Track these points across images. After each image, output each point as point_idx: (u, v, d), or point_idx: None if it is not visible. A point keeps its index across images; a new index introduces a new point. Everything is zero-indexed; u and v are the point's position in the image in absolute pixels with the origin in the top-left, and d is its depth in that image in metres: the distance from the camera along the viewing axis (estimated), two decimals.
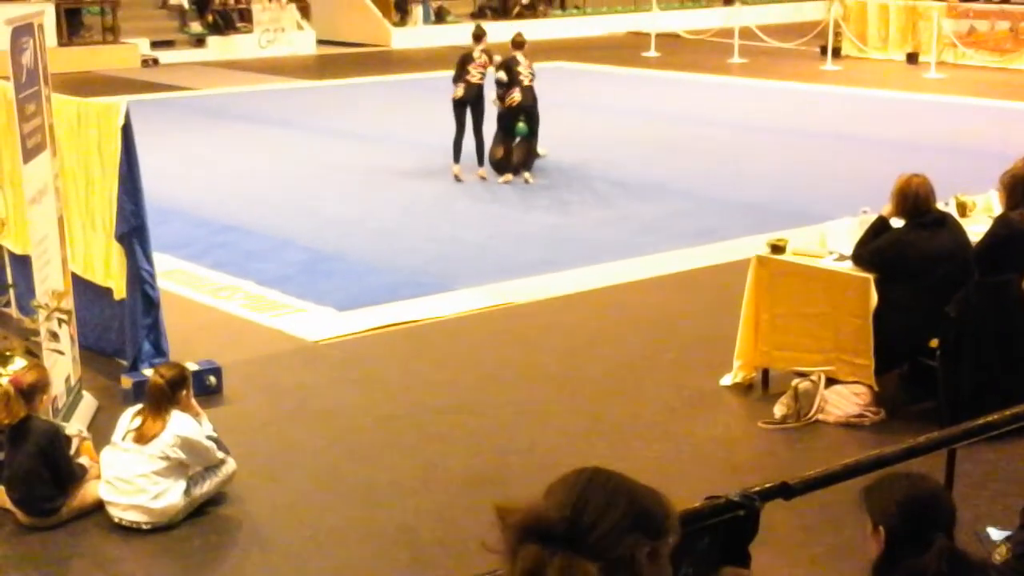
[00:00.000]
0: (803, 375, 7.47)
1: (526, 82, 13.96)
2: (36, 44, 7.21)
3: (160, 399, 6.22)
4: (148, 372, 7.10)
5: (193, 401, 6.49)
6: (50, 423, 6.47)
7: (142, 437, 6.16)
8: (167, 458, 6.14)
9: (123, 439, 6.23)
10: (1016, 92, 20.60)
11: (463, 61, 13.93)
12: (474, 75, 13.87)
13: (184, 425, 6.23)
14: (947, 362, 7.16)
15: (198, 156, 16.23)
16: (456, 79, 13.92)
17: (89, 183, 8.21)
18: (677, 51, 27.22)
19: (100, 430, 6.93)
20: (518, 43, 14.19)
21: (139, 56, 25.90)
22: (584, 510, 2.13)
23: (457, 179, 13.94)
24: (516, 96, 13.88)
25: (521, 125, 14.14)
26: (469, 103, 13.91)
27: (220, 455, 6.36)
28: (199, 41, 27.36)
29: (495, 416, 7.65)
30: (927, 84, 22.08)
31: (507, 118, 14.13)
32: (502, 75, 13.96)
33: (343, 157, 14.34)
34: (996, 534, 5.09)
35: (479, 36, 14.00)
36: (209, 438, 6.35)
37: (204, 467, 6.30)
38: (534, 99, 14.09)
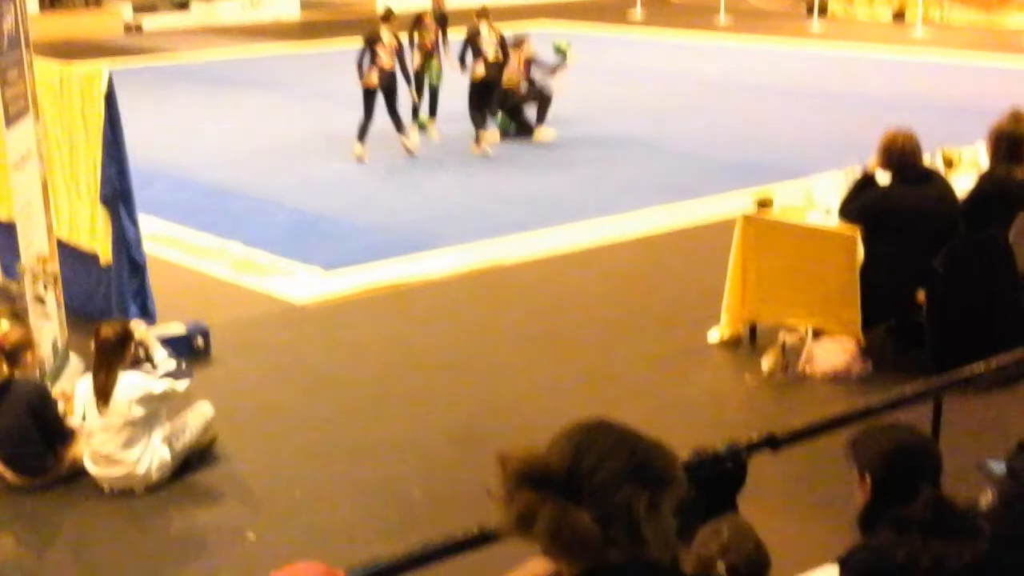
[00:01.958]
0: (791, 329, 7.49)
1: (490, 56, 13.87)
2: (17, 10, 7.15)
3: (109, 354, 6.11)
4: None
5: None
6: (38, 382, 6.46)
7: (101, 396, 6.08)
8: (131, 423, 6.10)
9: (84, 418, 6.16)
10: (1002, 48, 20.58)
11: (371, 42, 13.18)
12: (385, 60, 13.13)
13: (133, 383, 6.11)
14: (933, 315, 7.18)
15: (182, 120, 16.17)
16: (366, 63, 13.08)
17: (73, 148, 8.18)
18: (663, 12, 27.13)
19: None
20: (481, 13, 14.08)
21: (122, 22, 25.75)
22: (582, 459, 2.14)
23: (360, 160, 13.33)
24: (480, 70, 13.76)
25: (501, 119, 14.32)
26: (382, 90, 13.18)
27: (181, 385, 6.25)
28: (182, 5, 27.20)
29: (481, 375, 7.66)
30: (913, 41, 22.05)
31: (475, 93, 13.93)
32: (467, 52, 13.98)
33: (328, 120, 14.31)
34: (998, 466, 5.12)
35: (387, 18, 13.26)
36: (164, 377, 6.26)
37: (180, 419, 6.26)
38: (499, 75, 13.97)
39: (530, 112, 14.55)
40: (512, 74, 14.04)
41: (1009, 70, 18.89)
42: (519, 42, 14.16)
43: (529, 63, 14.32)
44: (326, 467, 6.45)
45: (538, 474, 2.14)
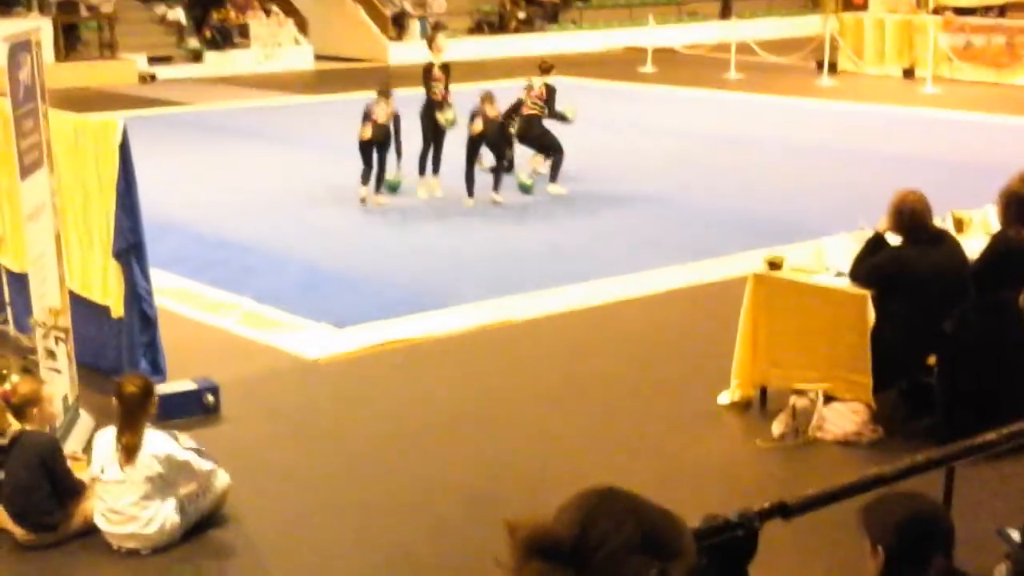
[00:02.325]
0: (801, 393, 7.46)
1: (491, 113, 13.95)
2: (33, 61, 7.21)
3: (136, 411, 6.14)
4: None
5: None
6: (50, 435, 6.45)
7: (128, 452, 6.09)
8: (150, 480, 6.10)
9: (102, 471, 6.17)
10: (1012, 107, 20.64)
11: (367, 109, 13.77)
12: (380, 116, 13.68)
13: (159, 443, 6.14)
14: (945, 379, 7.16)
15: (196, 172, 16.24)
16: (364, 119, 13.72)
17: (86, 200, 8.21)
18: (674, 66, 27.28)
19: None
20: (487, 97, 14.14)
21: (136, 72, 25.94)
22: (592, 529, 2.13)
23: (363, 203, 13.79)
24: (478, 125, 13.83)
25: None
26: (375, 143, 13.71)
27: (206, 465, 6.30)
28: (197, 56, 27.39)
29: (494, 434, 7.64)
30: (923, 99, 22.13)
31: (471, 147, 14.02)
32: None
33: (340, 173, 14.35)
34: (1014, 535, 5.09)
35: (385, 93, 13.78)
36: (189, 449, 6.30)
37: (195, 484, 6.26)
38: (500, 130, 14.00)
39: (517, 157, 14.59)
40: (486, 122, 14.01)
41: (1020, 128, 18.93)
42: (488, 98, 14.12)
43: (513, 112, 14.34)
44: (336, 527, 6.42)
45: (547, 545, 2.13)
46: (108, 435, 6.18)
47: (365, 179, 13.82)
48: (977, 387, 7.07)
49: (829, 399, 7.39)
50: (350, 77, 26.35)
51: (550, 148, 14.52)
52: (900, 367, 7.34)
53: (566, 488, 2.23)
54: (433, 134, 14.21)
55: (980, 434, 5.35)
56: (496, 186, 13.97)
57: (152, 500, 6.10)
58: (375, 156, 13.76)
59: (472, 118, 13.73)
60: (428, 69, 14.27)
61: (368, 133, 13.63)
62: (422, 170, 14.37)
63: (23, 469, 6.17)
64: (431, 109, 14.16)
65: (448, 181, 14.30)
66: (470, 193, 13.89)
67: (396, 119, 13.75)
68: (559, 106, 14.60)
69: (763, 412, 7.73)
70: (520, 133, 14.25)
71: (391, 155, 13.89)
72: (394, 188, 14.31)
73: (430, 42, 14.38)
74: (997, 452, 6.51)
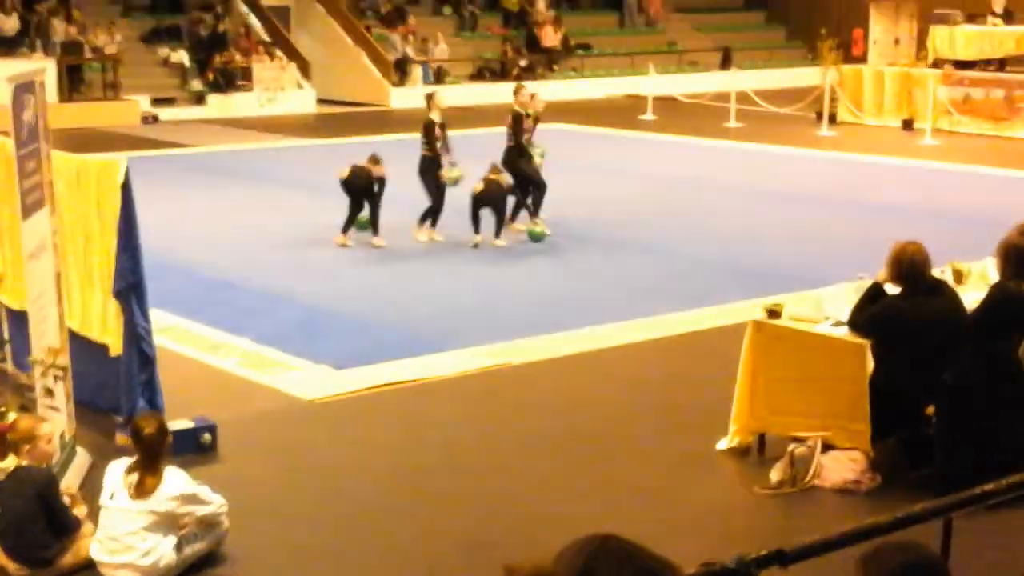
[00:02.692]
0: (799, 440, 7.46)
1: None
2: (37, 101, 7.26)
3: (155, 451, 6.17)
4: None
5: None
6: (47, 470, 6.44)
7: (142, 492, 6.11)
8: (156, 513, 6.10)
9: (111, 498, 6.17)
10: (1011, 160, 20.73)
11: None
12: (364, 164, 13.98)
13: (179, 482, 6.20)
14: (943, 429, 7.16)
15: (197, 213, 16.29)
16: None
17: (88, 239, 8.24)
18: (674, 114, 27.41)
19: (94, 487, 6.89)
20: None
21: (139, 113, 26.06)
22: (591, 574, 2.13)
23: (343, 246, 13.99)
24: (479, 185, 13.91)
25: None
26: (348, 183, 13.97)
27: (216, 499, 6.31)
28: (199, 98, 27.54)
29: (491, 478, 7.62)
30: (922, 151, 22.22)
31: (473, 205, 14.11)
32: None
33: (341, 215, 14.38)
34: None
35: (375, 160, 14.00)
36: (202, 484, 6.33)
37: (204, 511, 6.25)
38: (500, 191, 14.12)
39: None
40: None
41: (1018, 181, 19.01)
42: (495, 169, 14.24)
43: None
44: (331, 568, 6.40)
45: None
46: (121, 467, 6.21)
47: (347, 223, 14.12)
48: (976, 438, 7.06)
49: (827, 447, 7.38)
50: (352, 121, 26.49)
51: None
52: (898, 416, 7.34)
53: (563, 533, 2.23)
54: (437, 191, 14.08)
55: (978, 484, 5.36)
56: (498, 232, 14.03)
57: (154, 533, 6.09)
58: (359, 199, 14.00)
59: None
60: (430, 127, 14.18)
61: (345, 172, 13.98)
62: (423, 220, 14.34)
63: (19, 503, 6.16)
64: (434, 167, 14.03)
65: (445, 226, 14.32)
66: (476, 231, 14.01)
67: (381, 182, 13.87)
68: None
69: (761, 459, 7.72)
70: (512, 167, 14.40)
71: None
72: (363, 227, 14.27)
73: (429, 100, 14.26)
74: (996, 503, 6.52)
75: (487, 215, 14.03)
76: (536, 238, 14.24)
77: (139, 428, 6.23)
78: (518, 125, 14.50)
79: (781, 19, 37.32)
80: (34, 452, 6.40)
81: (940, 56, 25.50)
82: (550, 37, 32.51)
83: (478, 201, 13.97)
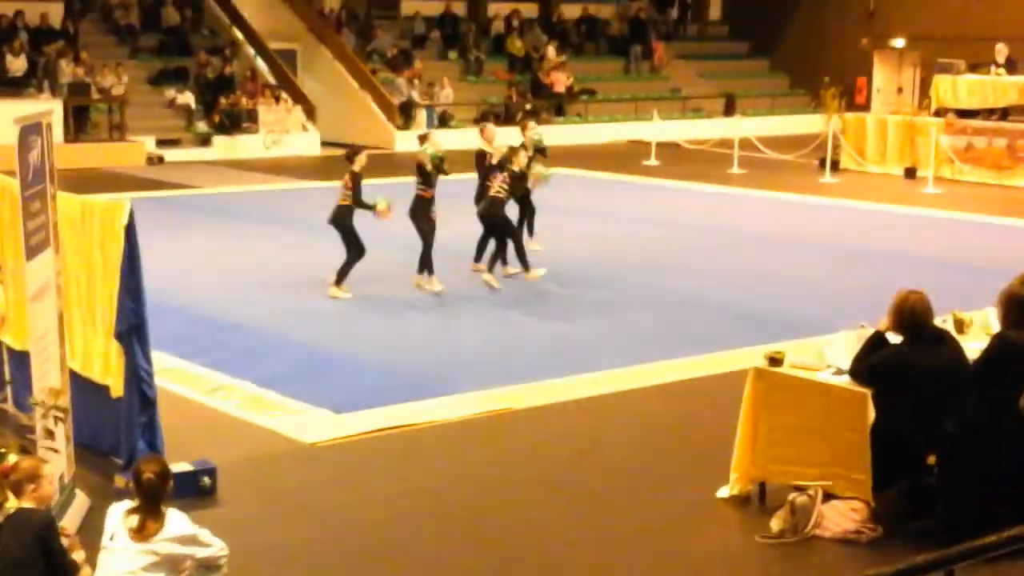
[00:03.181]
0: (800, 489, 7.43)
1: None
2: (43, 143, 7.29)
3: (156, 495, 6.15)
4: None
5: None
6: (46, 512, 6.41)
7: (143, 535, 6.07)
8: (156, 554, 6.07)
9: (112, 539, 6.15)
10: (1013, 209, 20.77)
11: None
12: (338, 196, 13.73)
13: (181, 524, 6.15)
14: (945, 479, 7.14)
15: (200, 254, 16.32)
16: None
17: (91, 280, 8.25)
18: (677, 160, 27.50)
19: (93, 530, 6.86)
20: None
21: (144, 154, 26.16)
22: None
23: (335, 298, 13.63)
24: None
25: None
26: (332, 223, 13.71)
27: (217, 542, 6.27)
28: (205, 140, 27.65)
29: (491, 522, 7.60)
30: (925, 199, 22.26)
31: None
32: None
33: (343, 259, 14.39)
34: None
35: (350, 157, 13.84)
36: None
37: (203, 565, 6.22)
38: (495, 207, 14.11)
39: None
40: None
41: (1019, 229, 19.04)
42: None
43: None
44: None
45: None
46: (124, 507, 6.18)
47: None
48: (977, 488, 7.04)
49: (828, 496, 7.35)
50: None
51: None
52: (900, 466, 7.32)
53: None
54: (427, 232, 13.80)
55: (980, 536, 5.34)
56: (499, 261, 14.16)
57: (153, 575, 6.05)
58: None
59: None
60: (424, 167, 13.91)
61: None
62: (422, 270, 13.98)
63: (18, 546, 6.11)
64: (428, 208, 13.76)
65: (445, 273, 14.33)
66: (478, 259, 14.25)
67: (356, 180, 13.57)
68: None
69: (762, 507, 7.69)
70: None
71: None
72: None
73: (423, 140, 14.00)
74: (996, 555, 6.50)
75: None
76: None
77: (140, 472, 6.20)
78: (479, 163, 14.44)
79: (785, 67, 37.49)
80: (38, 493, 6.38)
81: (943, 105, 25.60)
82: (561, 82, 32.69)
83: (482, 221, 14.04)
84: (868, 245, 17.44)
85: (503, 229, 14.15)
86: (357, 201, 13.54)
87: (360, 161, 13.79)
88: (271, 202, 21.41)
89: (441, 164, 13.60)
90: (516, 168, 14.22)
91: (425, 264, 13.93)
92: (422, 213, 13.82)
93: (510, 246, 14.21)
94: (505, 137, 15.79)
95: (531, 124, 14.94)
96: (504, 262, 14.45)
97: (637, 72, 35.48)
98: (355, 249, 13.72)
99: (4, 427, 8.28)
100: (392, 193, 14.05)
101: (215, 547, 6.28)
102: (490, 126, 15.10)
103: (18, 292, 8.32)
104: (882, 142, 26.01)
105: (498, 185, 14.04)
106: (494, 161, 14.29)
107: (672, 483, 8.26)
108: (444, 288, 13.75)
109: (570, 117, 32.59)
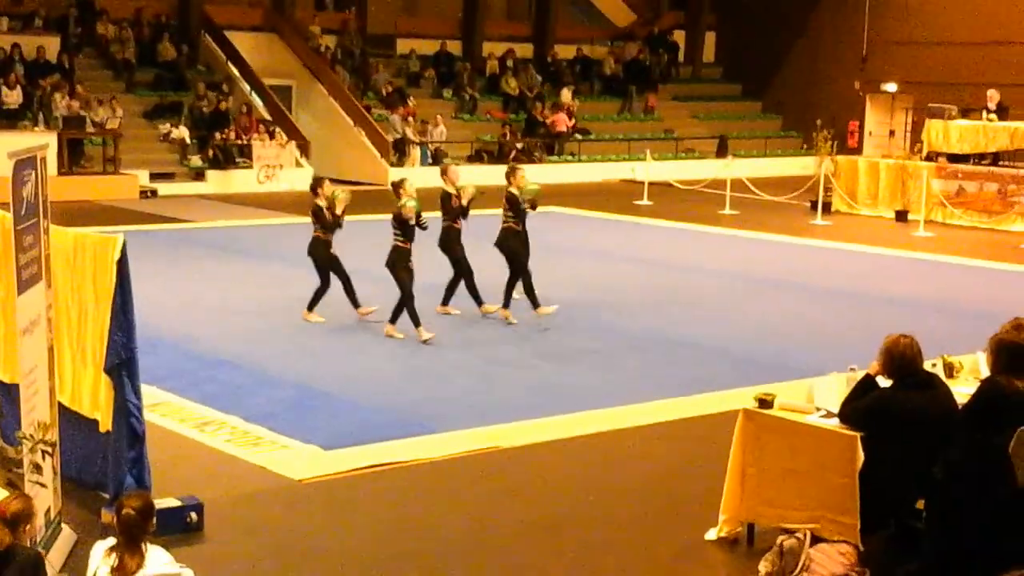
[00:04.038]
0: (789, 532, 7.42)
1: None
2: (37, 177, 7.29)
3: (134, 531, 6.10)
4: None
5: None
6: (34, 550, 6.38)
7: (123, 573, 6.06)
8: None
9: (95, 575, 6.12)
10: (1004, 254, 20.85)
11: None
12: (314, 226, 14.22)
13: (164, 563, 6.13)
14: (933, 524, 7.13)
15: (192, 289, 16.31)
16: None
17: (82, 314, 8.24)
18: (669, 200, 27.58)
19: (78, 565, 6.84)
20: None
21: (138, 187, 26.19)
22: None
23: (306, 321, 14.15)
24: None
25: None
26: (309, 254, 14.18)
27: None
28: (198, 175, 27.70)
29: (478, 563, 7.58)
30: (916, 242, 22.34)
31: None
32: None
33: (336, 294, 14.42)
34: None
35: (314, 187, 14.27)
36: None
37: None
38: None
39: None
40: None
41: (1010, 274, 19.11)
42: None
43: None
44: None
45: None
46: (107, 544, 6.14)
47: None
48: (965, 533, 7.02)
49: (817, 539, 7.34)
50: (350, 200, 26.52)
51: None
52: (888, 509, 7.32)
53: None
54: (409, 282, 13.54)
55: None
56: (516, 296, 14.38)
57: None
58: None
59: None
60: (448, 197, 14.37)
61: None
62: (395, 318, 13.74)
63: None
64: (406, 259, 13.46)
65: (436, 300, 14.36)
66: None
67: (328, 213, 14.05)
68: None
69: (750, 550, 7.69)
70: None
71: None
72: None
73: (397, 188, 13.71)
74: None
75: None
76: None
77: (121, 507, 6.17)
78: (444, 205, 14.44)
79: (777, 109, 37.71)
80: (32, 532, 6.36)
81: (934, 149, 25.73)
82: (563, 123, 32.84)
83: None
84: (858, 288, 17.48)
85: (513, 260, 14.25)
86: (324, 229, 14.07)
87: (324, 191, 14.20)
88: (264, 237, 21.42)
89: (419, 218, 13.49)
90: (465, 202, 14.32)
91: (399, 314, 13.44)
92: (400, 263, 13.43)
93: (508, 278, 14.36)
94: (499, 177, 15.79)
95: (520, 172, 14.59)
96: (484, 300, 14.58)
97: (631, 113, 35.65)
98: (323, 280, 14.20)
99: None
100: (385, 229, 14.02)
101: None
102: (453, 167, 15.15)
103: (8, 326, 8.31)
104: (874, 185, 26.13)
105: (505, 215, 14.23)
106: (464, 202, 14.34)
107: (660, 523, 8.24)
108: (432, 335, 13.32)
109: (563, 156, 32.69)
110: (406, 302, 13.35)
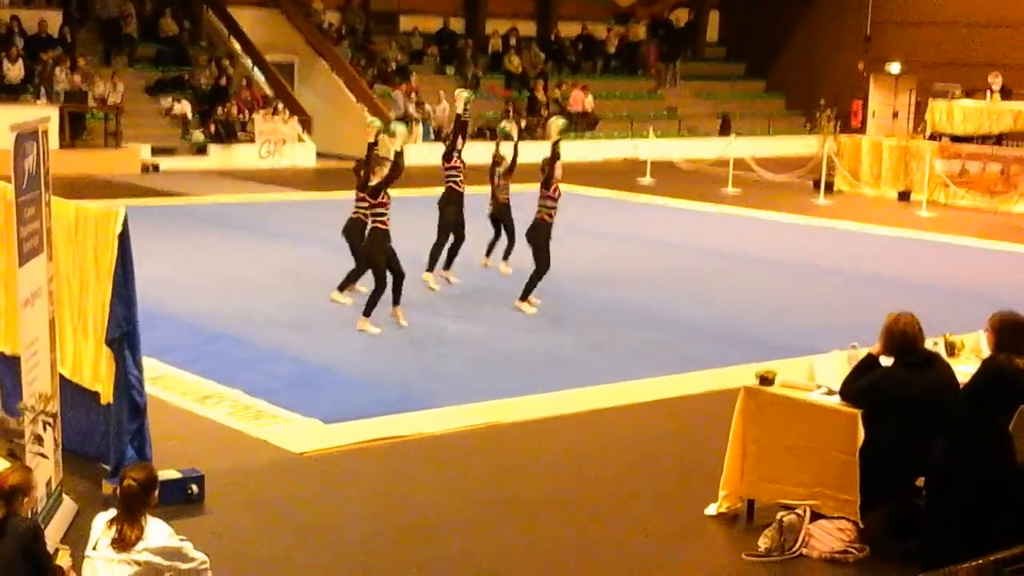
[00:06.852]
0: (788, 508, 7.44)
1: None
2: (39, 150, 7.29)
3: (134, 503, 6.12)
4: None
5: None
6: (32, 520, 6.39)
7: (123, 545, 6.08)
8: (137, 563, 6.04)
9: (95, 548, 6.12)
10: (1006, 234, 20.83)
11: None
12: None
13: (162, 535, 6.14)
14: (933, 501, 7.14)
15: (193, 263, 16.31)
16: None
17: (83, 287, 8.24)
18: (672, 179, 27.55)
19: (79, 537, 6.85)
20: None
21: (140, 162, 26.16)
22: None
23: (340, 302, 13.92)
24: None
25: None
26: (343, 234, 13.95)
27: (199, 555, 6.27)
28: (200, 149, 27.65)
29: (477, 537, 7.59)
30: (918, 222, 22.32)
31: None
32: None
33: (338, 270, 14.42)
34: None
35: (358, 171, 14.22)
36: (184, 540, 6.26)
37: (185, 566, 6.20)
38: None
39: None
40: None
41: (1012, 255, 19.10)
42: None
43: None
44: None
45: None
46: (108, 516, 6.16)
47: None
48: (965, 511, 7.04)
49: (816, 516, 7.36)
50: (351, 176, 26.48)
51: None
52: (888, 487, 7.33)
53: None
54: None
55: (966, 558, 5.36)
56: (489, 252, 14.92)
57: None
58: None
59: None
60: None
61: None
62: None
63: (3, 555, 6.10)
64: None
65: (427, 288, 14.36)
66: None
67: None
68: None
69: (750, 525, 7.71)
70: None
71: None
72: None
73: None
74: None
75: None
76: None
77: (123, 478, 6.19)
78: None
79: (781, 88, 37.60)
80: (32, 503, 6.37)
81: (938, 129, 25.69)
82: (579, 102, 32.75)
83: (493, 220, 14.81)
84: (861, 267, 17.48)
85: (537, 252, 13.81)
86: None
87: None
88: (265, 212, 21.41)
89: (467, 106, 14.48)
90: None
91: (372, 307, 12.75)
92: (378, 247, 12.67)
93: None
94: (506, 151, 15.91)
95: (460, 91, 15.13)
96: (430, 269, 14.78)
97: (634, 91, 35.56)
98: (361, 262, 13.55)
99: None
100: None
101: (197, 561, 6.25)
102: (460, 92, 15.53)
103: (9, 298, 8.31)
104: (877, 165, 26.10)
105: (541, 205, 14.10)
106: (460, 109, 15.06)
107: (660, 499, 8.26)
108: (379, 330, 12.65)
109: (565, 135, 32.57)
110: (379, 291, 12.61)
